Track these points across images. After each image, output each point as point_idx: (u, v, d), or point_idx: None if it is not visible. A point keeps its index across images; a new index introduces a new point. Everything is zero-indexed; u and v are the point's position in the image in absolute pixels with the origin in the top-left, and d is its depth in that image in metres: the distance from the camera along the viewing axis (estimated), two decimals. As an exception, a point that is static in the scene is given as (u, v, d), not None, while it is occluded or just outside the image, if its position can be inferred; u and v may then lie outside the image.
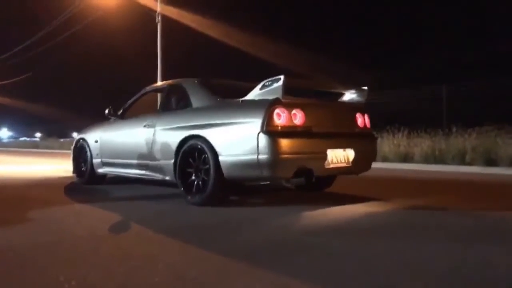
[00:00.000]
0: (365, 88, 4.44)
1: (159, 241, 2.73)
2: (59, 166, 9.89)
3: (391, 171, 8.19)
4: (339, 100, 4.53)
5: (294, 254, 2.36)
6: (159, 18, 17.33)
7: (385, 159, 9.93)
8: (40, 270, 2.09)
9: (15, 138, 44.00)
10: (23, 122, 47.86)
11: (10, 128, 48.61)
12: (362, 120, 4.41)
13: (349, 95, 4.48)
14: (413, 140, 10.25)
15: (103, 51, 35.50)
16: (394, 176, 7.33)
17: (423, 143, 9.83)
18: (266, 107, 3.60)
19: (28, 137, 43.39)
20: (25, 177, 7.28)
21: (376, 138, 4.73)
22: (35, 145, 32.92)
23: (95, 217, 3.58)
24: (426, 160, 9.41)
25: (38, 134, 42.39)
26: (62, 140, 30.46)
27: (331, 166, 3.88)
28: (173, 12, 17.39)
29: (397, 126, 10.79)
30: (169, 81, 5.32)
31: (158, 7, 17.16)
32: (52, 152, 23.10)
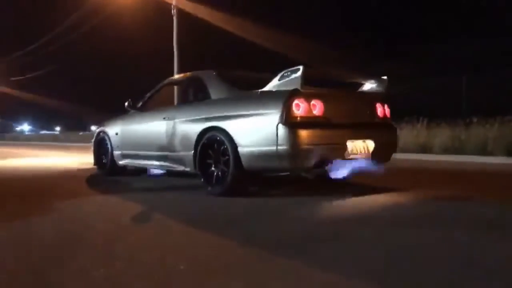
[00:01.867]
0: (385, 77, 4.32)
1: (182, 231, 2.76)
2: (79, 159, 10.06)
3: (410, 162, 8.08)
4: (359, 90, 4.44)
5: (318, 244, 2.35)
6: (175, 11, 17.34)
7: (404, 150, 9.80)
8: (66, 260, 2.13)
9: (35, 131, 44.95)
10: (43, 116, 48.91)
11: (31, 122, 49.76)
12: (382, 110, 4.30)
13: (369, 85, 4.38)
14: (433, 130, 10.09)
15: (122, 45, 35.80)
16: (413, 167, 7.24)
17: (443, 134, 9.66)
18: (285, 98, 3.56)
19: (48, 130, 44.27)
20: (47, 169, 7.43)
21: (396, 129, 4.58)
22: (55, 138, 33.59)
23: (118, 207, 3.64)
24: (446, 150, 9.25)
25: (57, 128, 43.24)
26: (81, 133, 30.99)
27: (351, 157, 3.79)
28: (188, 6, 17.38)
29: (416, 117, 10.63)
30: (187, 74, 5.33)
31: (174, 0, 17.17)
32: (71, 145, 23.51)
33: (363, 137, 3.94)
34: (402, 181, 5.05)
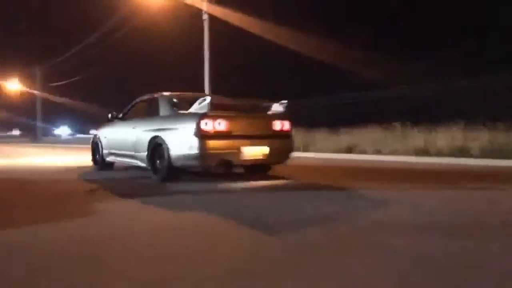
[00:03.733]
0: (285, 101, 5.87)
1: (218, 233, 2.79)
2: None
3: (445, 165, 7.84)
4: (269, 111, 5.91)
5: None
6: (206, 16, 17.59)
7: (439, 153, 9.52)
8: (105, 263, 2.20)
9: (72, 135, 46.63)
10: (80, 120, 50.74)
11: (69, 126, 51.68)
12: (280, 125, 5.80)
13: (275, 107, 5.91)
14: (471, 133, 9.73)
15: (154, 50, 36.64)
16: (446, 169, 7.02)
17: (481, 137, 9.30)
18: (197, 118, 5.15)
19: (84, 134, 45.80)
20: (83, 171, 7.69)
21: (290, 138, 6.00)
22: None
23: (153, 210, 3.71)
24: (485, 154, 8.89)
25: (92, 131, 44.68)
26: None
27: (246, 158, 5.34)
28: (219, 11, 17.58)
29: (452, 119, 10.31)
30: (152, 94, 6.71)
31: (205, 6, 17.41)
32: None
33: (259, 144, 5.47)
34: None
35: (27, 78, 41.37)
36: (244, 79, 32.77)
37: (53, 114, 47.39)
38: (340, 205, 3.76)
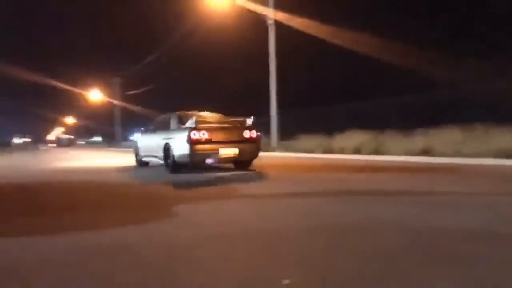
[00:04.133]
0: (252, 117, 8.46)
1: (298, 239, 2.81)
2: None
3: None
4: (244, 124, 8.45)
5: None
6: (271, 21, 17.78)
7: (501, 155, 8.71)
8: (192, 264, 2.31)
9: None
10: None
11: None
12: (248, 133, 8.30)
13: (249, 120, 8.47)
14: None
15: (220, 57, 37.73)
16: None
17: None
18: (188, 131, 7.79)
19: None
20: (150, 175, 8.13)
21: (257, 143, 8.45)
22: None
23: (225, 213, 3.84)
24: None
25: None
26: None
27: (223, 156, 7.93)
28: (283, 17, 17.70)
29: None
30: (168, 114, 9.64)
31: (270, 11, 17.61)
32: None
33: (231, 147, 7.98)
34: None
35: (107, 88, 44.75)
36: (310, 81, 32.55)
37: (130, 120, 50.65)
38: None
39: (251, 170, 8.44)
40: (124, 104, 44.53)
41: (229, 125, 8.41)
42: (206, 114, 9.47)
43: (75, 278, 2.11)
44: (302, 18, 18.11)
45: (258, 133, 8.45)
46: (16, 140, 67.20)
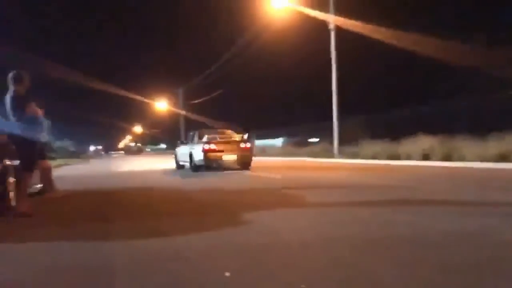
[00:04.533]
0: (247, 133, 12.81)
1: (373, 249, 2.75)
2: (254, 173, 10.99)
3: None
4: (242, 138, 12.24)
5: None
6: (332, 26, 17.67)
7: None
8: (267, 271, 2.38)
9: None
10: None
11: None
12: (243, 145, 11.80)
13: (245, 136, 12.46)
14: None
15: (280, 64, 38.02)
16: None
17: None
18: (203, 144, 11.63)
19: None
20: (223, 180, 8.37)
21: (249, 152, 12.04)
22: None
23: (300, 221, 3.85)
24: None
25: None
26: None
27: (225, 160, 11.54)
28: (345, 22, 17.51)
29: None
30: (193, 131, 13.59)
31: (331, 16, 17.51)
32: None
33: (231, 155, 11.56)
34: None
35: (172, 98, 46.88)
36: (371, 85, 31.72)
37: (193, 129, 52.65)
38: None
39: (245, 170, 11.64)
40: (187, 113, 46.35)
41: (231, 139, 12.17)
42: (221, 131, 13.48)
43: (154, 279, 2.27)
44: (364, 22, 17.77)
45: (250, 145, 12.22)
46: (92, 148, 73.95)
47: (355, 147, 16.89)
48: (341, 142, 17.77)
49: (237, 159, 11.56)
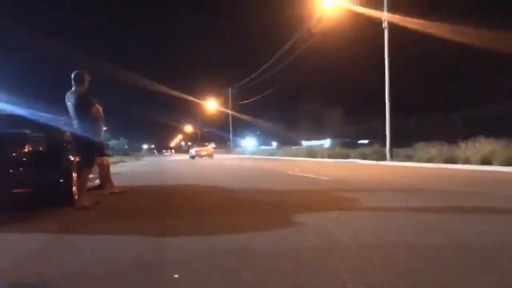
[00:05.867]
0: (212, 143, 49.20)
1: (435, 258, 2.60)
2: (307, 174, 10.90)
3: None
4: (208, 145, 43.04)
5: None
6: (386, 24, 17.12)
7: None
8: (325, 274, 2.32)
9: (257, 147, 51.30)
10: (263, 133, 55.50)
11: (255, 138, 57.21)
12: (211, 149, 39.55)
13: (211, 144, 46.74)
14: None
15: (332, 63, 37.52)
16: None
17: None
18: (195, 148, 39.80)
19: (266, 146, 49.79)
20: (270, 183, 8.35)
21: (211, 151, 38.07)
22: (271, 153, 37.12)
23: (355, 225, 3.72)
24: None
25: (274, 143, 48.11)
26: (294, 148, 33.48)
27: (202, 155, 36.30)
28: (399, 19, 16.92)
29: None
30: (193, 144, 46.45)
31: (385, 13, 16.98)
32: (284, 160, 25.69)
33: (205, 152, 36.98)
34: None
35: (222, 98, 47.78)
36: (426, 85, 30.43)
37: (242, 128, 53.37)
38: None
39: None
40: (236, 114, 47.00)
41: (204, 147, 38.20)
42: (201, 143, 41.29)
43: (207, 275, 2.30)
44: (419, 19, 17.05)
45: (212, 149, 38.62)
46: (145, 147, 79.04)
47: (408, 150, 16.22)
48: (393, 144, 17.16)
49: (207, 154, 35.24)
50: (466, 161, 12.42)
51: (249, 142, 52.69)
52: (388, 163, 16.03)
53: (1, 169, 4.67)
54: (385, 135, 17.38)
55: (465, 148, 12.98)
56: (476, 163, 11.87)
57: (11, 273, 2.55)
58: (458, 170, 11.35)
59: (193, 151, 37.73)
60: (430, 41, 16.90)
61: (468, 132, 13.73)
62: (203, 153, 35.66)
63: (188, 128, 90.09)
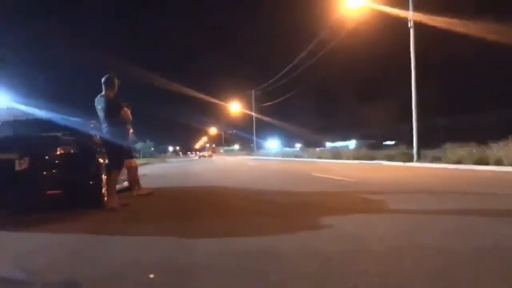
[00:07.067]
0: (213, 144, 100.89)
1: (468, 262, 2.53)
2: (330, 176, 10.81)
3: None
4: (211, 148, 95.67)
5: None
6: (412, 23, 16.78)
7: None
8: (355, 278, 2.29)
9: (280, 148, 51.24)
10: (287, 135, 55.41)
11: (278, 140, 57.20)
12: (211, 153, 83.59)
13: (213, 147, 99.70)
14: None
15: (357, 63, 37.13)
16: None
17: None
18: (200, 152, 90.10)
19: (290, 147, 49.64)
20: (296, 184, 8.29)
21: (212, 153, 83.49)
22: (295, 155, 36.93)
23: (383, 228, 3.66)
24: None
25: (298, 145, 47.94)
26: (317, 149, 33.21)
27: (206, 156, 72.78)
28: (425, 18, 16.55)
29: None
30: (200, 149, 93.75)
31: (410, 12, 16.65)
32: (307, 161, 25.53)
33: (207, 155, 76.27)
34: None
35: (245, 101, 48.00)
36: (455, 86, 29.66)
37: (265, 130, 53.45)
38: None
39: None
40: (259, 115, 47.07)
41: (208, 151, 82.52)
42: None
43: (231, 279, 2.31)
44: (447, 17, 16.62)
45: (212, 152, 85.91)
46: (170, 149, 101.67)
47: (436, 151, 15.81)
48: (421, 145, 16.77)
49: (208, 155, 73.25)
50: (498, 162, 12.01)
51: (272, 144, 52.68)
52: (415, 164, 15.68)
53: (36, 172, 4.83)
54: (412, 136, 17.02)
55: (496, 148, 12.55)
56: (509, 164, 11.46)
57: (44, 274, 2.64)
58: (490, 171, 10.98)
59: (200, 154, 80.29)
60: (458, 40, 16.45)
61: (499, 132, 13.27)
62: (206, 154, 75.02)
63: (213, 130, 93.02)
